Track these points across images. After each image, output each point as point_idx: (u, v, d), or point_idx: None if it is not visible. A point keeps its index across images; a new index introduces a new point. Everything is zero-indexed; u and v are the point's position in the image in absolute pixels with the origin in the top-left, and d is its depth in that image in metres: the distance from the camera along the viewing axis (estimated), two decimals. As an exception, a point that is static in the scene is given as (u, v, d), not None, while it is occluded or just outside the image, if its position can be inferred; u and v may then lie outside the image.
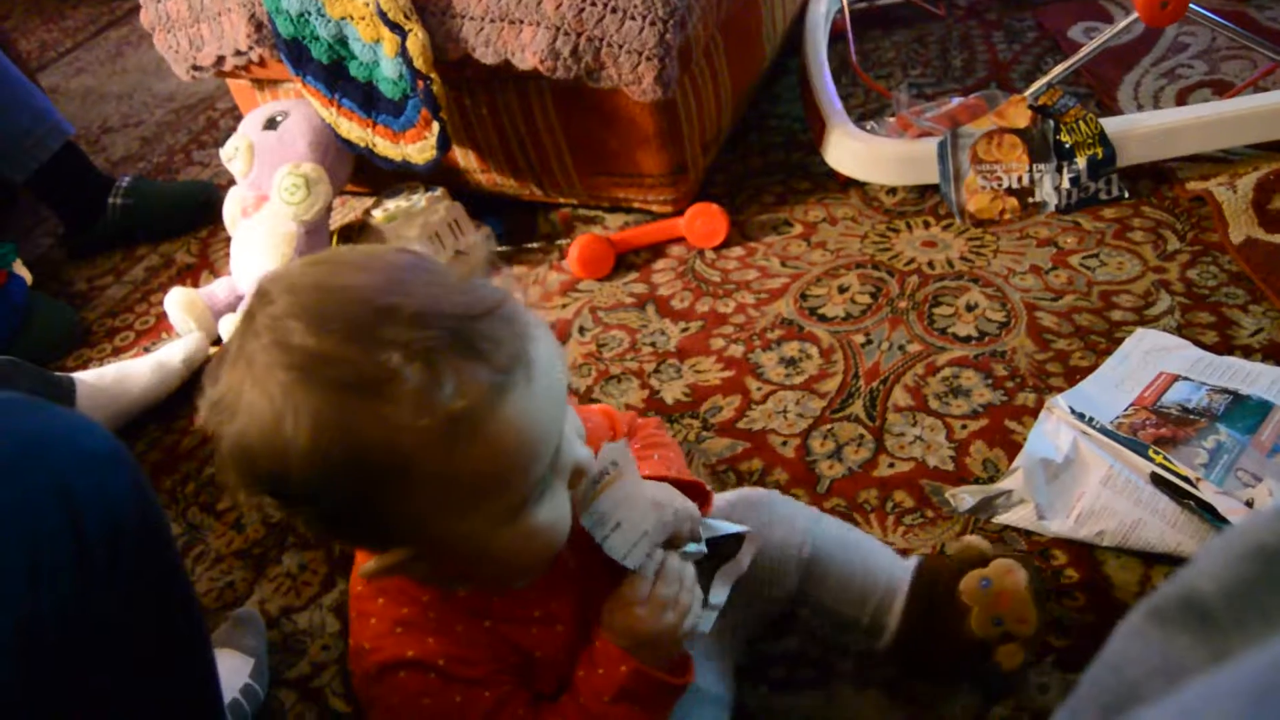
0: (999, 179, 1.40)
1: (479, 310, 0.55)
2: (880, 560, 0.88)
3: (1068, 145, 1.37)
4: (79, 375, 1.37)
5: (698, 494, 0.78)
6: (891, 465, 1.09)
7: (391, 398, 0.52)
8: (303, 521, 0.59)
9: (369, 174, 1.63)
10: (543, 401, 0.58)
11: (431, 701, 0.64)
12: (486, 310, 0.56)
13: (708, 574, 0.75)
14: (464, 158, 1.60)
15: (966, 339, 1.22)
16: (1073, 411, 1.02)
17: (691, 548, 0.73)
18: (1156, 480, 0.94)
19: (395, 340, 0.53)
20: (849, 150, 1.49)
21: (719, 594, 0.74)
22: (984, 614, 0.82)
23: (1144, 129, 1.38)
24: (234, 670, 0.98)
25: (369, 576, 0.63)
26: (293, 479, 0.54)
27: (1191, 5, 1.35)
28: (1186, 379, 1.07)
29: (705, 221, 1.47)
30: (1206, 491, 0.91)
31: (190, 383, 1.44)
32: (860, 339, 1.26)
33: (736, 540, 0.76)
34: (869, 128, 1.53)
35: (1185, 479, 0.92)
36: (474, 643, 0.66)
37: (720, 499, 0.89)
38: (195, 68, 1.63)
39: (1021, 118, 1.41)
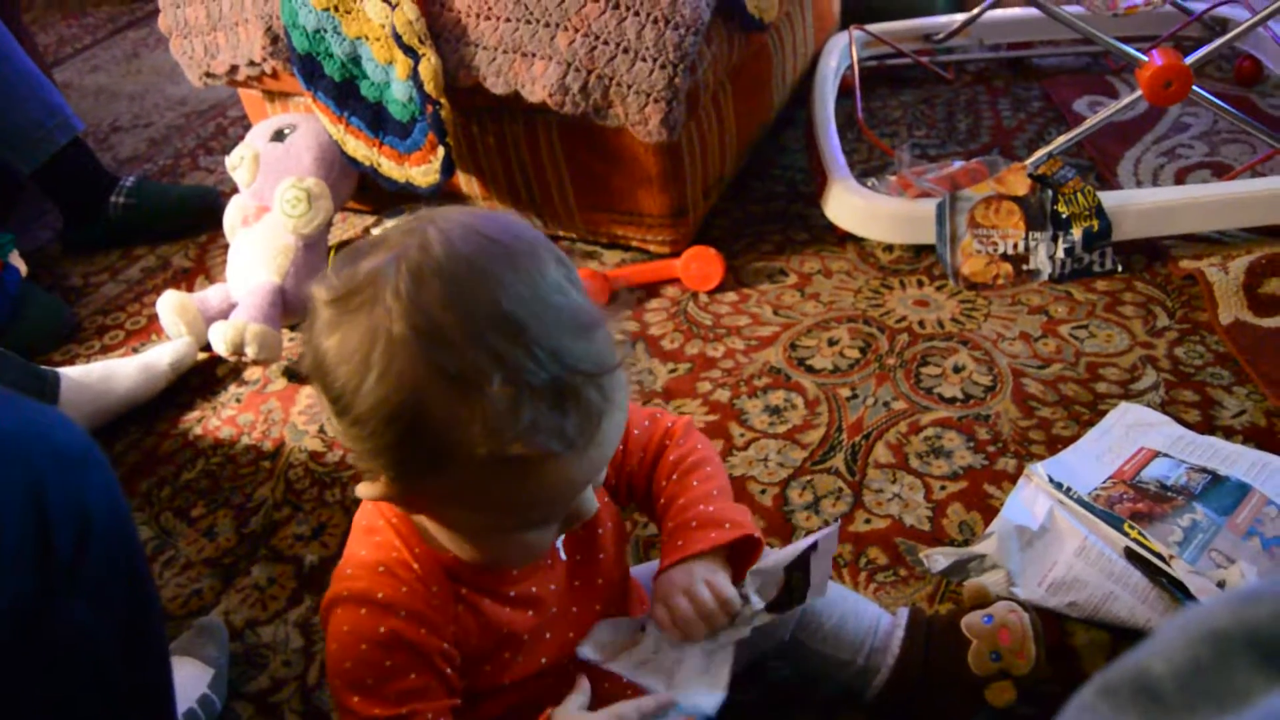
0: (995, 244, 1.41)
1: (588, 370, 0.58)
2: (869, 608, 0.89)
3: (1065, 216, 1.39)
4: (64, 370, 1.36)
5: (750, 547, 0.75)
6: (868, 521, 1.09)
7: (470, 404, 0.56)
8: (340, 428, 0.61)
9: (371, 192, 1.64)
10: (586, 469, 0.62)
11: (367, 650, 0.66)
12: (593, 373, 0.58)
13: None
14: (467, 184, 1.61)
15: (951, 400, 1.23)
16: (1051, 480, 1.03)
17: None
18: (1130, 555, 0.94)
19: (503, 357, 0.55)
20: (849, 205, 1.50)
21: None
22: (983, 647, 0.83)
23: (1141, 205, 1.39)
24: (193, 679, 0.97)
25: (363, 498, 0.66)
26: (350, 410, 0.58)
27: (1195, 87, 1.37)
28: (1167, 456, 1.07)
29: (701, 265, 1.48)
30: (1179, 569, 0.91)
31: (175, 387, 1.44)
32: (846, 393, 1.26)
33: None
34: (870, 184, 1.54)
35: (1159, 555, 0.92)
36: (443, 609, 0.68)
37: None
38: (208, 75, 1.65)
39: (1021, 185, 1.42)
